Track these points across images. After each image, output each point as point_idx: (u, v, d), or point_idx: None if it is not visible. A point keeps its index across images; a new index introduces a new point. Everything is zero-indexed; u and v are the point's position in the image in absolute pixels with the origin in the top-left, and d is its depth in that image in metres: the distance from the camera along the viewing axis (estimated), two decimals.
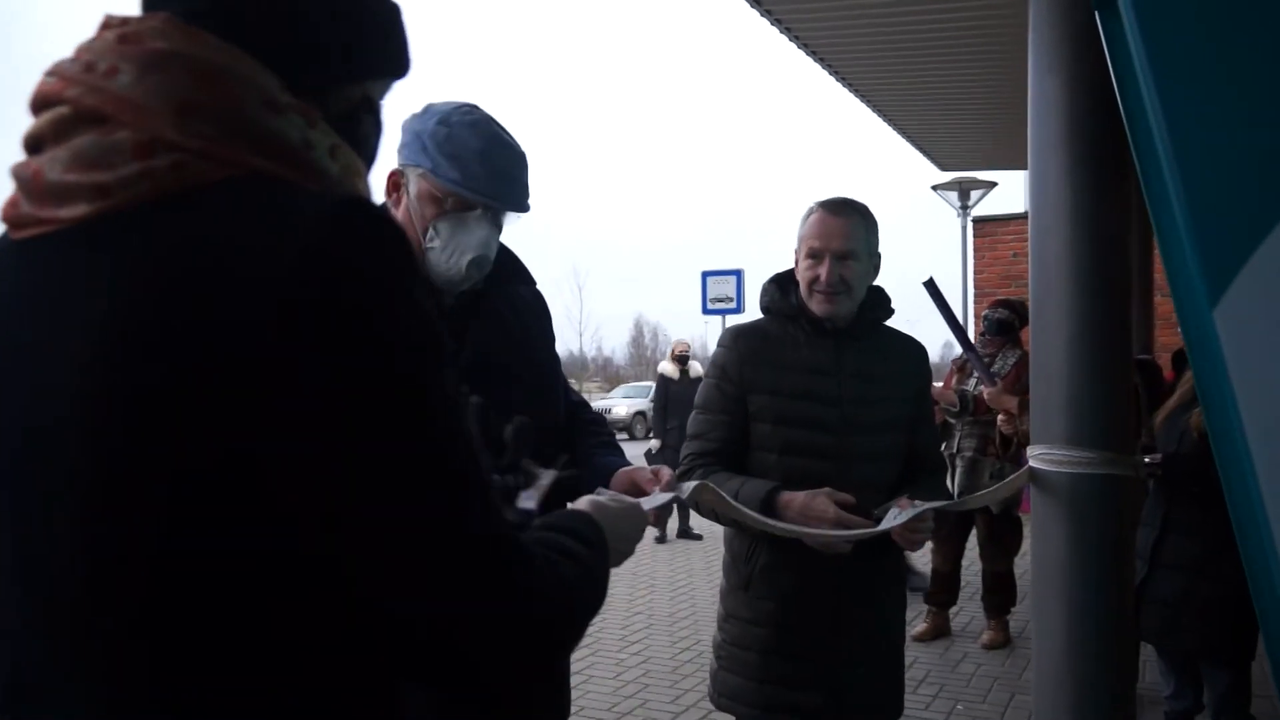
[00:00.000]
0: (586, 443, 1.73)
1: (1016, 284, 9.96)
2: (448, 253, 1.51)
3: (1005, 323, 4.94)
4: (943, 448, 4.93)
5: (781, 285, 2.15)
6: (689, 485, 1.52)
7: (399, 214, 1.54)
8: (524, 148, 1.58)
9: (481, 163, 1.48)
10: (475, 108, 1.54)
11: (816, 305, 2.02)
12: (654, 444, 8.98)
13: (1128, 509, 2.15)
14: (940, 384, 5.15)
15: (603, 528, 1.00)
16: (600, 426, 1.82)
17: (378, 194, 1.46)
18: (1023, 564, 5.03)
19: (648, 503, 1.33)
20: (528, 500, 1.23)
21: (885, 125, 7.15)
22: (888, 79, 5.91)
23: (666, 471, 1.54)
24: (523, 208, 1.55)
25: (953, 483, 4.84)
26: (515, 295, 1.71)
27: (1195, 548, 3.07)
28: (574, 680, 4.40)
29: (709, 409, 2.10)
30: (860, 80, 5.95)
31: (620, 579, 6.58)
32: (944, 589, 5.15)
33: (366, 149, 0.88)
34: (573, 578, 0.86)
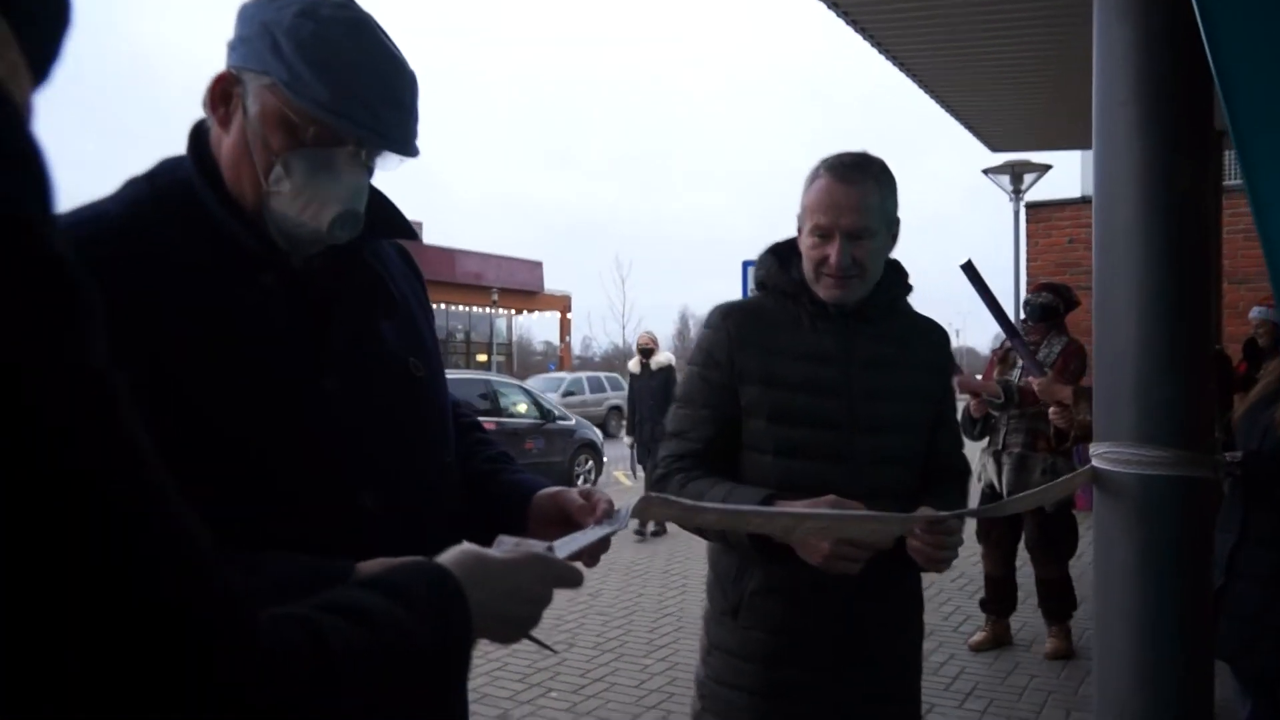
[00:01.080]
0: (477, 457, 1.36)
1: (1072, 271, 9.61)
2: (302, 202, 1.08)
3: (1049, 307, 4.59)
4: (987, 443, 4.63)
5: (781, 257, 1.83)
6: (628, 505, 1.20)
7: (229, 137, 1.10)
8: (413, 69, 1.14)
9: (362, 80, 1.05)
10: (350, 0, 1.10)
11: (824, 290, 1.72)
12: (627, 440, 9.00)
13: (1205, 513, 1.93)
14: (980, 376, 4.84)
15: (462, 584, 0.78)
16: (481, 432, 1.45)
17: (196, 106, 1.13)
18: (1078, 566, 4.74)
19: (568, 545, 1.01)
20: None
21: (933, 103, 6.82)
22: (933, 50, 5.58)
23: (601, 496, 1.21)
24: (410, 150, 1.13)
25: (1000, 481, 4.51)
26: (382, 252, 1.29)
27: (1274, 557, 2.75)
28: (595, 688, 4.23)
29: (691, 402, 1.78)
30: (904, 51, 5.63)
31: (650, 579, 6.37)
32: (1000, 596, 4.79)
33: (27, 32, 0.55)
34: (322, 640, 0.61)
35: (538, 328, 44.09)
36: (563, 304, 39.53)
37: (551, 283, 39.21)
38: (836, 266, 1.67)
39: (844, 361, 1.73)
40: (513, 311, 38.14)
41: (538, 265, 38.13)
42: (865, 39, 5.31)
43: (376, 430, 1.14)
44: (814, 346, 1.74)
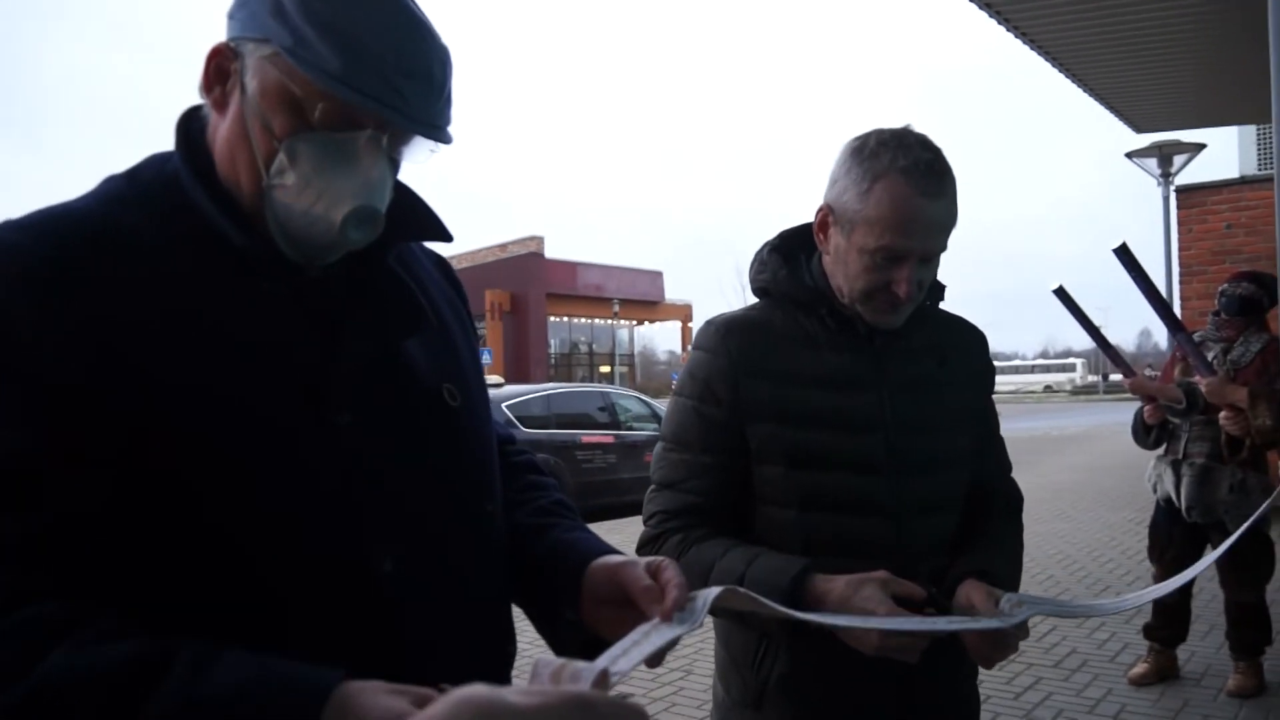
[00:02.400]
0: (526, 506, 1.12)
1: (1231, 260, 8.80)
2: (310, 198, 0.89)
3: (1250, 300, 3.95)
4: (1164, 450, 4.12)
5: (787, 255, 1.49)
6: (707, 596, 0.90)
7: (225, 122, 0.92)
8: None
9: (380, 46, 0.86)
10: None
11: (873, 314, 1.39)
12: None
13: None
14: (1153, 374, 4.32)
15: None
16: (538, 473, 1.20)
17: (194, 83, 0.94)
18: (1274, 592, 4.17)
19: (627, 657, 0.78)
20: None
21: (1071, 84, 6.32)
22: (1069, 23, 5.12)
23: (672, 576, 0.92)
24: (441, 134, 0.93)
25: (1178, 495, 3.99)
26: (414, 261, 1.10)
27: None
28: None
29: (685, 444, 1.44)
30: (1035, 28, 5.19)
31: None
32: (1170, 623, 4.25)
33: None
34: None
35: (660, 338, 44.21)
36: (684, 313, 39.49)
37: (672, 292, 39.31)
38: (907, 296, 1.34)
39: (876, 387, 1.41)
40: (634, 322, 38.37)
41: (658, 275, 38.26)
42: (992, 16, 4.93)
43: (400, 474, 0.93)
44: (838, 370, 1.41)
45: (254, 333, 0.89)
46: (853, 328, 1.43)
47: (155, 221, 0.90)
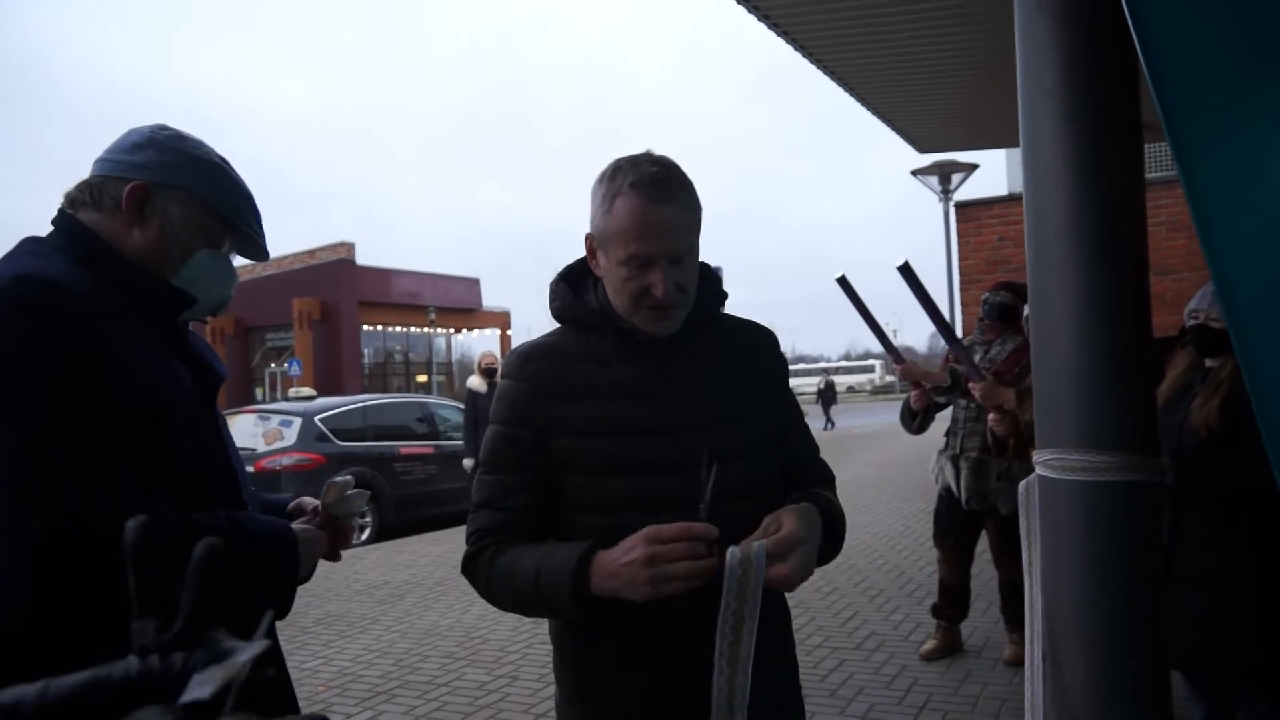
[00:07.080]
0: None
1: (1004, 269, 9.73)
2: (203, 286, 1.56)
3: (1006, 307, 4.48)
4: (945, 446, 4.55)
5: (573, 283, 1.63)
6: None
7: (144, 232, 1.50)
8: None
9: (249, 199, 1.59)
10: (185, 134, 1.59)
11: (646, 323, 1.52)
12: (468, 462, 8.77)
13: (1153, 518, 1.84)
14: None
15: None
16: None
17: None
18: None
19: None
20: (200, 688, 0.68)
21: (860, 106, 6.79)
22: (854, 51, 5.52)
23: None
24: (265, 252, 1.67)
25: (957, 486, 4.43)
26: None
27: (1212, 558, 2.66)
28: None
29: (499, 466, 1.55)
30: (826, 54, 5.56)
31: None
32: (954, 602, 4.70)
33: None
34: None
35: (478, 346, 43.68)
36: (502, 320, 39.16)
37: (490, 299, 38.92)
38: (664, 297, 1.47)
39: (664, 393, 1.53)
40: (451, 330, 37.69)
41: (475, 282, 37.77)
42: (787, 41, 5.24)
43: (232, 454, 1.63)
44: (627, 381, 1.53)
45: (172, 355, 1.51)
46: (635, 340, 1.55)
47: (103, 287, 1.42)
